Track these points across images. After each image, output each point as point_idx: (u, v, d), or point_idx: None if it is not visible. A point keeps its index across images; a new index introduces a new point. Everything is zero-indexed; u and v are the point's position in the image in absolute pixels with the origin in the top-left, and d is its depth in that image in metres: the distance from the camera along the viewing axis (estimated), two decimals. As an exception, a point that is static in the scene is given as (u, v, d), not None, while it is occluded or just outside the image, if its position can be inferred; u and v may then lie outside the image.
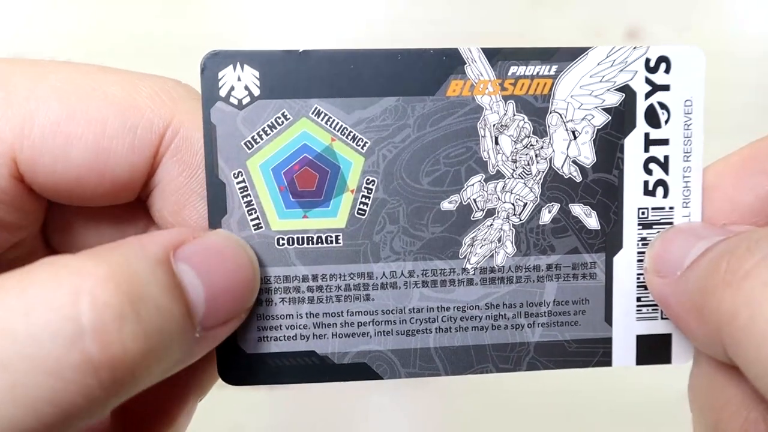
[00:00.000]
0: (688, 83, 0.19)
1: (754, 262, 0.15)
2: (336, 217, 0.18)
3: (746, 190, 0.18)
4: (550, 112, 0.19)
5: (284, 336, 0.19)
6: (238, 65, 0.18)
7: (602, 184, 0.19)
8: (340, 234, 0.19)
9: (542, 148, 0.19)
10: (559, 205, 0.19)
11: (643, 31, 0.43)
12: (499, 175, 0.19)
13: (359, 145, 0.18)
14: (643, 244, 0.19)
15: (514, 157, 0.19)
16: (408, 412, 0.44)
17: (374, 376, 0.19)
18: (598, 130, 0.19)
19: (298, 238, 0.18)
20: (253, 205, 0.18)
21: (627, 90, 0.19)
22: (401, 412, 0.44)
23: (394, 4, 0.44)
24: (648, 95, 0.19)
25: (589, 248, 0.19)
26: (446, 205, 0.19)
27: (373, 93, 0.18)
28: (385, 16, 0.43)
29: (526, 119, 0.19)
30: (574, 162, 0.19)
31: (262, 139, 0.18)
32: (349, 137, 0.18)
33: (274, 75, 0.18)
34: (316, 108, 0.18)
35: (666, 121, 0.19)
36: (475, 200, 0.19)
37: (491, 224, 0.19)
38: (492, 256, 0.19)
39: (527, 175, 0.19)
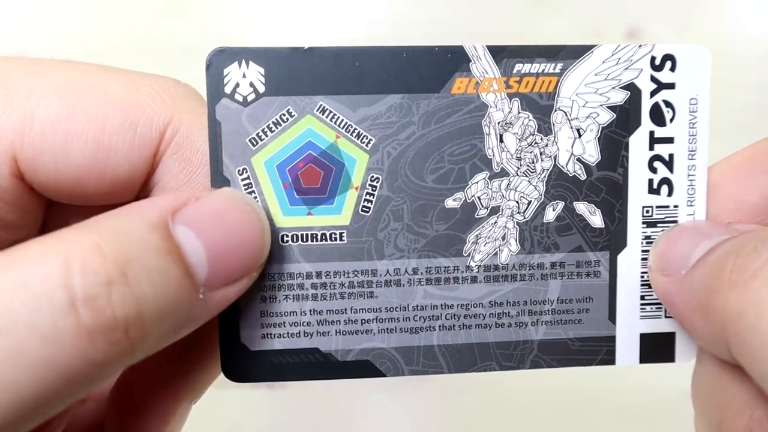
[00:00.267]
0: (693, 81, 0.19)
1: (761, 262, 0.15)
2: (340, 214, 0.18)
3: (750, 189, 0.18)
4: (555, 110, 0.19)
5: (288, 333, 0.19)
6: (244, 62, 0.18)
7: (607, 182, 0.19)
8: (344, 231, 0.19)
9: (547, 146, 0.19)
10: (563, 203, 0.19)
11: (643, 31, 0.43)
12: (503, 173, 0.19)
13: (364, 143, 0.18)
14: (647, 243, 0.19)
15: (518, 155, 0.19)
16: (409, 410, 0.44)
17: (378, 373, 0.19)
18: (602, 128, 0.19)
19: (302, 235, 0.18)
20: (257, 201, 0.18)
21: (632, 88, 0.19)
22: (402, 411, 0.44)
23: (394, 4, 0.44)
24: (653, 93, 0.19)
25: (593, 246, 0.19)
26: (450, 203, 0.19)
27: (378, 90, 0.18)
28: (385, 16, 0.43)
29: (530, 117, 0.19)
30: (579, 160, 0.19)
31: (266, 135, 0.18)
32: (354, 134, 0.18)
33: (280, 72, 0.18)
34: (321, 105, 0.18)
35: (671, 120, 0.19)
36: (479, 198, 0.19)
37: (495, 222, 0.19)
38: (496, 253, 0.19)
39: (532, 172, 0.19)
